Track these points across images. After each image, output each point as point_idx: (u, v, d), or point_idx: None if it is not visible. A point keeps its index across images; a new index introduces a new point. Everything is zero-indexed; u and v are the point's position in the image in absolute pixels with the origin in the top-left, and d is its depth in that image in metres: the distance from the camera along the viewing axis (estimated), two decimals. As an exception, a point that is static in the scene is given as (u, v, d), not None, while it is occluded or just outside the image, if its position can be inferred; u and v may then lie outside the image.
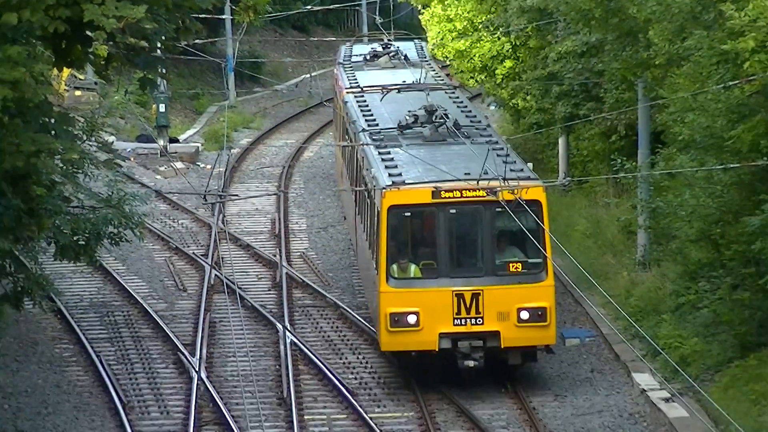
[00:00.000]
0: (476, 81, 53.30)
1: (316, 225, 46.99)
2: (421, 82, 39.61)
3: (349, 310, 35.24)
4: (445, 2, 53.19)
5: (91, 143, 31.55)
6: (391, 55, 48.79)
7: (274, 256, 41.25)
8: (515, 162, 26.51)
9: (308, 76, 74.68)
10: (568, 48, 42.72)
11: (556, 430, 26.58)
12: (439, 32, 52.45)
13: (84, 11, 19.43)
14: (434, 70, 48.02)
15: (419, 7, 56.89)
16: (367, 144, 31.36)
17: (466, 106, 37.68)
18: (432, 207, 24.26)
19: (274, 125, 66.68)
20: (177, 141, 56.40)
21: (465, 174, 24.80)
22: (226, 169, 52.60)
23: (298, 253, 42.24)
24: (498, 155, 26.73)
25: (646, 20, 31.08)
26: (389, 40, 53.95)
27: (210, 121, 64.87)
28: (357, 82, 44.35)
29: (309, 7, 74.17)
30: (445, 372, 25.50)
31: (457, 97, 39.76)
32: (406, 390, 28.87)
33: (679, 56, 30.22)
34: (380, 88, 39.60)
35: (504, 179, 24.02)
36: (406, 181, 24.86)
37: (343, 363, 31.45)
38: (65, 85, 48.19)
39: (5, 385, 30.22)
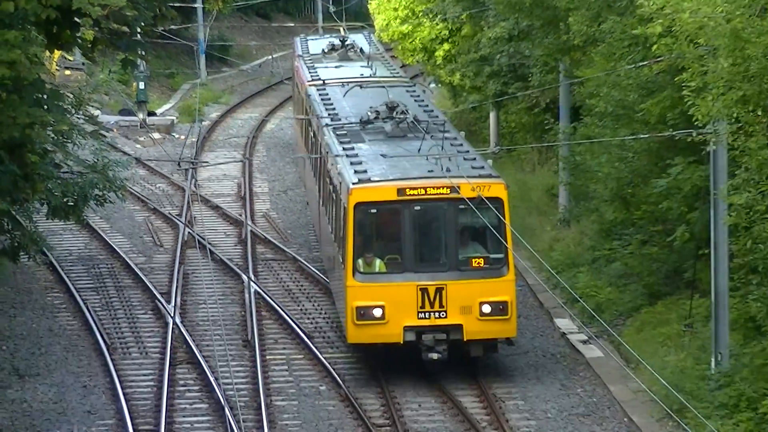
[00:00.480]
0: (416, 60, 53.12)
1: (276, 188, 47.35)
2: (378, 75, 39.23)
3: (306, 264, 35.63)
4: None
5: (79, 116, 31.92)
6: (347, 47, 46.22)
7: (240, 215, 41.61)
8: (475, 159, 25.52)
9: (270, 57, 74.86)
10: (497, 34, 42.69)
11: (486, 368, 26.54)
12: (384, 19, 52.03)
13: (72, 0, 19.46)
14: (388, 63, 46.19)
15: None
16: (331, 138, 29.59)
17: (423, 101, 35.57)
18: (397, 204, 23.02)
19: (240, 101, 66.74)
20: (154, 114, 56.53)
21: (428, 171, 23.79)
22: (198, 139, 53.09)
23: (261, 213, 42.68)
24: (458, 151, 26.26)
25: (567, 9, 31.28)
26: (344, 33, 52.50)
27: (184, 97, 64.71)
28: (318, 75, 41.50)
29: (271, -5, 74.87)
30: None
31: (415, 92, 37.70)
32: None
33: (596, 39, 30.40)
34: (341, 81, 38.22)
35: (467, 176, 23.01)
36: (372, 179, 23.65)
37: (301, 309, 31.71)
38: (56, 65, 47.98)
39: (3, 329, 30.54)
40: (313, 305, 32.14)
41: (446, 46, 47.96)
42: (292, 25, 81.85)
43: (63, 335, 30.43)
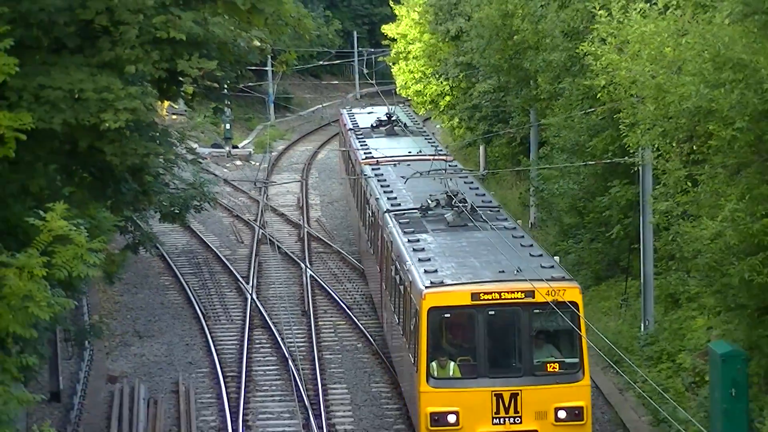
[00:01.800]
0: (425, 109, 52.24)
1: (326, 201, 44.80)
2: (425, 153, 30.85)
3: (348, 255, 34.72)
4: (408, 61, 52.83)
5: (182, 149, 30.69)
6: (393, 123, 37.73)
7: (299, 220, 40.55)
8: (542, 255, 19.11)
9: (320, 106, 72.02)
10: (485, 88, 41.47)
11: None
12: (404, 80, 51.68)
13: (177, 64, 19.30)
14: (428, 136, 37.49)
15: (391, 64, 55.46)
16: (395, 227, 21.94)
17: (477, 187, 27.31)
18: (471, 309, 17.20)
19: (299, 137, 63.00)
20: (237, 147, 53.79)
21: (500, 272, 17.76)
22: (268, 165, 52.22)
23: (315, 219, 40.28)
24: (522, 245, 19.79)
25: (535, 71, 31.08)
26: (388, 109, 41.24)
27: (258, 134, 61.03)
28: (371, 153, 32.83)
29: (321, 62, 73.31)
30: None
31: (467, 178, 29.02)
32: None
33: (557, 93, 30.10)
34: (393, 160, 30.23)
35: (541, 279, 17.20)
36: (445, 281, 17.58)
37: (343, 289, 31.24)
38: (165, 111, 47.13)
39: (128, 303, 30.48)
40: (353, 285, 31.67)
41: (447, 98, 46.68)
42: (336, 82, 79.83)
43: (171, 307, 30.33)
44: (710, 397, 17.27)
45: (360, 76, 74.80)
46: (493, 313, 16.58)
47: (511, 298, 16.49)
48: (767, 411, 17.05)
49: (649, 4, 20.58)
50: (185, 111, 43.38)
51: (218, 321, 28.07)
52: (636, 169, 23.19)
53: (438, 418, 16.77)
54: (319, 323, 27.91)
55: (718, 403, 16.69)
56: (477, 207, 22.17)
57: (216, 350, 25.51)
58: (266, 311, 28.29)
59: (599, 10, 20.92)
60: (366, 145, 33.76)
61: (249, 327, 27.06)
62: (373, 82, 56.16)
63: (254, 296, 29.00)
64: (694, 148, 20.01)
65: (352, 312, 28.19)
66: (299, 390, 23.06)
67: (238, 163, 51.93)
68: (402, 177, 26.62)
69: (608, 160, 25.42)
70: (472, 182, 26.82)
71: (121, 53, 17.58)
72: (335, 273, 33.36)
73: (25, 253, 13.70)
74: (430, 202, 22.25)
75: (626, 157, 23.97)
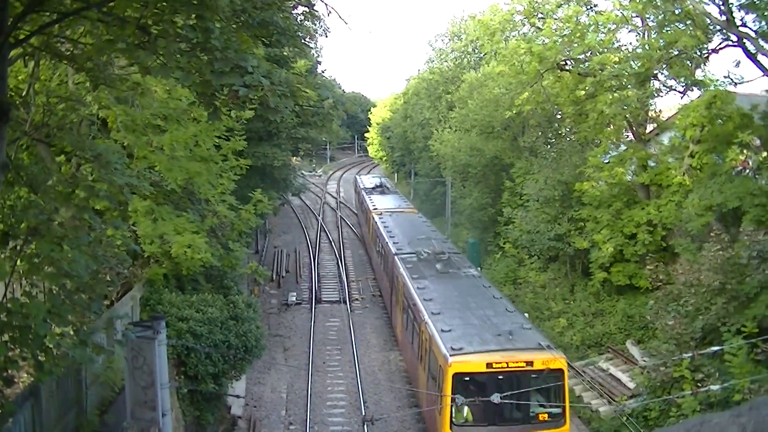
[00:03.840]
0: (378, 161, 79.56)
1: (346, 189, 68.22)
2: (402, 206, 41.68)
3: (348, 217, 52.41)
4: (372, 145, 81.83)
5: (300, 174, 50.85)
6: (383, 187, 49.89)
7: (336, 197, 64.09)
8: (531, 328, 20.25)
9: (344, 158, 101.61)
10: (398, 154, 70.54)
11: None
12: (377, 151, 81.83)
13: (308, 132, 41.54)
14: (401, 196, 48.70)
15: (368, 146, 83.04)
16: (405, 270, 26.20)
17: (436, 231, 35.07)
18: (486, 374, 17.96)
19: (337, 169, 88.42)
20: (314, 171, 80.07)
21: (498, 335, 19.21)
22: (327, 177, 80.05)
23: (341, 197, 62.81)
24: (494, 297, 22.93)
25: (417, 149, 50.21)
26: (381, 180, 54.82)
27: (323, 168, 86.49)
28: (375, 206, 41.18)
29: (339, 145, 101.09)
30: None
31: (422, 218, 38.44)
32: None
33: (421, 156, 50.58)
34: (390, 211, 39.29)
35: (536, 350, 18.52)
36: (465, 350, 18.39)
37: (356, 222, 48.65)
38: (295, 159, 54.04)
39: (272, 221, 44.87)
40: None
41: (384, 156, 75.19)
42: (348, 151, 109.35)
43: (292, 223, 49.61)
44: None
45: (357, 150, 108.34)
46: (501, 377, 17.93)
47: (516, 367, 17.98)
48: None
49: (449, 128, 45.34)
50: (301, 158, 60.03)
51: (311, 228, 47.81)
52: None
53: None
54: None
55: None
56: (451, 256, 27.21)
57: (308, 239, 43.05)
58: (324, 226, 47.32)
59: (433, 129, 48.47)
60: (372, 200, 43.24)
61: (319, 230, 46.40)
62: (363, 154, 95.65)
63: (321, 220, 51.02)
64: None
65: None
66: (338, 260, 38.01)
67: (318, 175, 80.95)
68: (397, 224, 34.41)
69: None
70: (433, 228, 34.69)
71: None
72: (354, 212, 52.71)
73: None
74: (425, 254, 27.34)
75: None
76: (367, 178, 58.32)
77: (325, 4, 9.71)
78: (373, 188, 48.82)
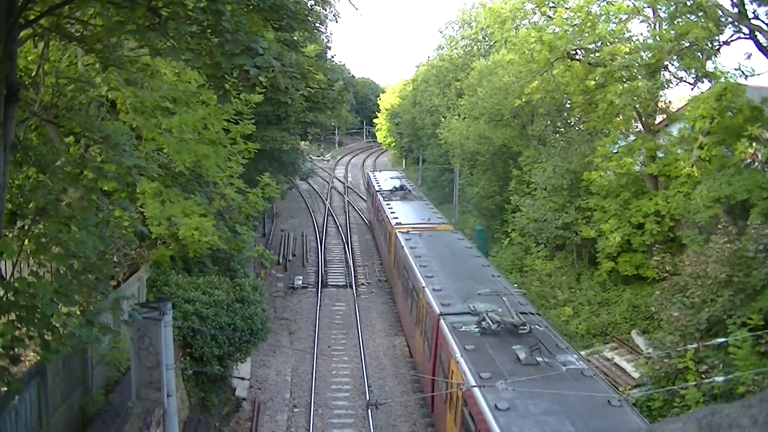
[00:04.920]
0: (386, 146, 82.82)
1: (351, 172, 70.62)
2: (434, 221, 32.51)
3: (356, 203, 52.58)
4: (380, 131, 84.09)
5: (309, 158, 52.52)
6: (405, 190, 40.41)
7: (343, 180, 64.09)
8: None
9: (353, 144, 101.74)
10: (406, 141, 69.54)
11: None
12: (385, 137, 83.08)
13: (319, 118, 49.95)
14: (429, 204, 38.57)
15: (376, 131, 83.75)
16: (455, 342, 17.09)
17: (474, 252, 26.59)
18: None
19: (345, 154, 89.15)
20: (323, 156, 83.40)
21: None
22: (335, 161, 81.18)
23: (349, 182, 63.31)
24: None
25: (426, 135, 51.42)
26: (399, 174, 50.34)
27: (331, 152, 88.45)
28: (398, 220, 32.67)
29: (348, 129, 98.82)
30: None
31: (460, 238, 29.32)
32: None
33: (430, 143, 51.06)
34: (417, 229, 30.35)
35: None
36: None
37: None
38: (303, 144, 52.34)
39: (280, 205, 46.93)
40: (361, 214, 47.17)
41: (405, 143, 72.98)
42: (358, 137, 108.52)
43: (299, 207, 50.50)
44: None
45: (365, 135, 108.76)
46: None
47: None
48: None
49: (458, 115, 46.17)
50: (309, 143, 64.19)
51: (318, 212, 48.50)
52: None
53: None
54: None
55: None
56: (532, 324, 17.76)
57: (316, 223, 44.47)
58: (332, 210, 48.67)
59: (442, 116, 49.85)
60: (391, 208, 34.80)
61: (326, 214, 47.54)
62: (371, 140, 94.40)
63: (329, 204, 51.54)
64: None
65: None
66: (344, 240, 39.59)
67: (327, 158, 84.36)
68: (431, 250, 25.90)
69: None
70: (484, 260, 24.86)
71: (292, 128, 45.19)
72: (361, 190, 54.19)
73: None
74: (488, 318, 17.68)
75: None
76: (382, 175, 47.79)
77: (335, -11, 9.49)
78: (392, 191, 39.90)
